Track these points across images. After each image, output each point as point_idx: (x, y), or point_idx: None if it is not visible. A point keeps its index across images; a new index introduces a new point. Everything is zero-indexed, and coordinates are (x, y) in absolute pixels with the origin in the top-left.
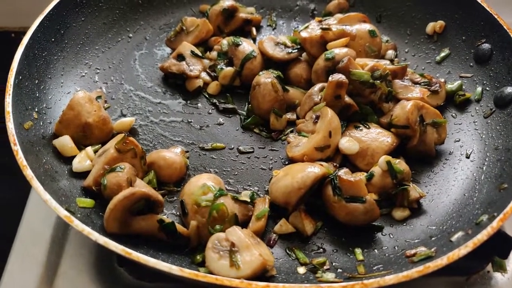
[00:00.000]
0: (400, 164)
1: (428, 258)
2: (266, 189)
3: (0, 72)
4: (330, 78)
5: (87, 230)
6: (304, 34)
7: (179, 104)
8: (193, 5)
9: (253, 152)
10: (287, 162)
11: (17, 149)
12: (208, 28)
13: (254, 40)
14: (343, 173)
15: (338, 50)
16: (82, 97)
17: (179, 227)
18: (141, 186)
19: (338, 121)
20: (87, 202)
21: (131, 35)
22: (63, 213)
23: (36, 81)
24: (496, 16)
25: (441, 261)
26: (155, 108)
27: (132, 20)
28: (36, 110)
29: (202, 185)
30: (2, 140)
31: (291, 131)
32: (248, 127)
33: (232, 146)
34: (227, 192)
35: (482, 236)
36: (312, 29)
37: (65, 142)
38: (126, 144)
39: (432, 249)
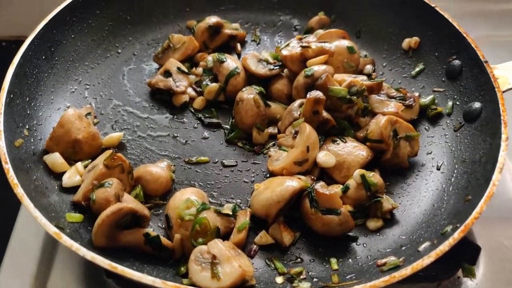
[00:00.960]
0: (374, 177)
1: (396, 268)
2: (248, 201)
3: None
4: (308, 95)
5: (75, 246)
6: (285, 52)
7: (166, 118)
8: (180, 21)
9: (236, 165)
10: (268, 175)
11: (8, 167)
12: (194, 45)
13: (239, 55)
14: (320, 186)
15: (317, 67)
16: (72, 115)
17: (164, 240)
18: (129, 201)
19: (315, 136)
20: (76, 217)
21: (119, 50)
22: (52, 229)
23: (27, 99)
24: (465, 35)
25: (406, 271)
26: (143, 123)
27: (120, 36)
28: (27, 127)
29: (186, 199)
30: None
31: (273, 145)
32: (232, 141)
33: (216, 160)
34: (209, 206)
35: (444, 247)
36: (292, 47)
37: (56, 159)
38: (114, 160)
39: (401, 259)
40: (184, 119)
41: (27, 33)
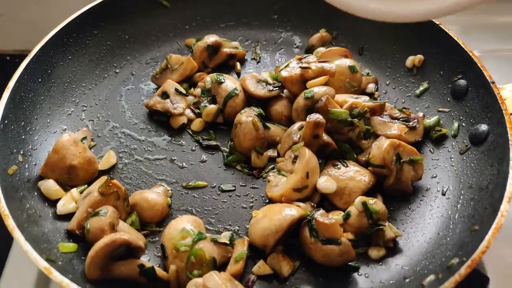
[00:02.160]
0: (376, 204)
1: None
2: (247, 228)
3: None
4: (308, 119)
5: (65, 282)
6: (284, 73)
7: (164, 141)
8: (179, 39)
9: (234, 190)
10: (267, 201)
11: None
12: (192, 65)
13: (239, 74)
14: (319, 215)
15: (317, 89)
16: (67, 140)
17: (159, 271)
18: (124, 230)
19: (315, 162)
20: (70, 247)
21: (117, 70)
22: (43, 264)
23: (22, 123)
24: (470, 54)
25: None
26: (140, 146)
27: (118, 55)
28: (22, 152)
29: (181, 229)
30: None
31: (272, 168)
32: (230, 165)
33: (214, 184)
34: (206, 235)
35: (450, 283)
36: (292, 68)
37: (50, 186)
38: (109, 187)
39: None
40: (182, 141)
41: (31, 47)
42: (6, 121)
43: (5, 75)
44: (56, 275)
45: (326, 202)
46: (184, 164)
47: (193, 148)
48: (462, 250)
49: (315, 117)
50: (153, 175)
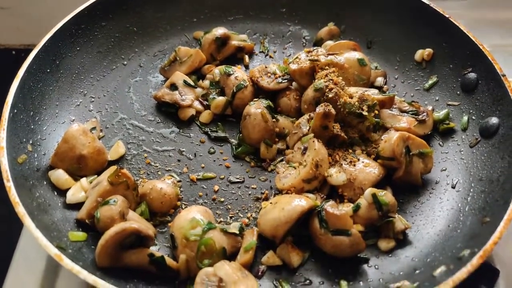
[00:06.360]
0: (386, 196)
1: None
2: (256, 219)
3: (0, 89)
4: (317, 109)
5: (76, 268)
6: (293, 66)
7: (172, 133)
8: (187, 32)
9: (243, 182)
10: (276, 192)
11: (10, 185)
12: (201, 57)
13: (247, 67)
14: (329, 206)
15: (326, 81)
16: (76, 130)
17: (169, 260)
18: (134, 219)
19: (325, 153)
20: (79, 236)
21: (125, 62)
22: (53, 251)
23: (31, 113)
24: (481, 47)
25: None
26: (148, 137)
27: (126, 47)
28: (31, 142)
29: (191, 219)
30: None
31: (281, 160)
32: (239, 156)
33: (223, 176)
34: (215, 225)
35: (462, 274)
36: (301, 61)
37: (60, 175)
38: (118, 176)
39: (415, 284)
40: (190, 133)
41: (37, 42)
42: (15, 110)
43: (11, 69)
44: (66, 262)
45: (334, 193)
46: (192, 155)
47: (202, 139)
48: (473, 242)
49: (325, 107)
50: (161, 167)
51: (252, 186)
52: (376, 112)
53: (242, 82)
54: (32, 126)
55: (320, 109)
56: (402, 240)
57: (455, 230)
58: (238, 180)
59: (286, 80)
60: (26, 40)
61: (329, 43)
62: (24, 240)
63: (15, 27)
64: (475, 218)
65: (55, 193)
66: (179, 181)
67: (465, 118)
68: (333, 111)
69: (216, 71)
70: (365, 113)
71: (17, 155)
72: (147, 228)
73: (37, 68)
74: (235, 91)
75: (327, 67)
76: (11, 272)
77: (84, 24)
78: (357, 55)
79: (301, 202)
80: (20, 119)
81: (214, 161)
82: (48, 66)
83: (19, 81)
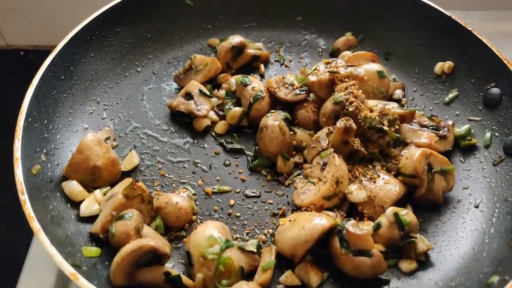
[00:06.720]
0: (408, 215)
1: None
2: (272, 235)
3: (8, 90)
4: (337, 124)
5: None
6: (312, 78)
7: (187, 143)
8: (202, 39)
9: (259, 196)
10: (293, 208)
11: (24, 198)
12: (217, 66)
13: (262, 76)
14: (350, 225)
15: (346, 94)
16: (91, 140)
17: (185, 279)
18: (149, 235)
19: (345, 169)
20: (93, 251)
21: (139, 69)
22: (69, 270)
23: (45, 121)
24: (505, 61)
25: None
26: (162, 148)
27: (140, 54)
28: (44, 151)
29: (208, 236)
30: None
31: (298, 174)
32: (255, 169)
33: (239, 190)
34: (233, 243)
35: None
36: (320, 72)
37: (74, 187)
38: (134, 189)
39: None
40: (205, 144)
41: (45, 42)
42: (30, 119)
43: (20, 70)
44: (82, 282)
45: (354, 211)
46: (207, 167)
47: (217, 151)
48: (501, 267)
49: (346, 122)
50: (176, 179)
51: (269, 201)
52: (397, 126)
53: (259, 93)
54: (46, 135)
55: (341, 123)
56: (424, 262)
57: (480, 253)
58: (255, 194)
59: (304, 92)
60: (34, 41)
61: (347, 53)
62: (34, 250)
63: (23, 27)
64: (502, 241)
65: (69, 205)
66: (194, 194)
67: (488, 134)
68: (354, 126)
69: (233, 80)
70: (385, 127)
71: (31, 166)
72: (164, 245)
73: (52, 75)
74: (251, 102)
75: (346, 79)
76: (21, 283)
77: (98, 30)
78: (376, 67)
79: (322, 221)
80: (34, 128)
81: (230, 173)
82: (62, 73)
83: (33, 89)
